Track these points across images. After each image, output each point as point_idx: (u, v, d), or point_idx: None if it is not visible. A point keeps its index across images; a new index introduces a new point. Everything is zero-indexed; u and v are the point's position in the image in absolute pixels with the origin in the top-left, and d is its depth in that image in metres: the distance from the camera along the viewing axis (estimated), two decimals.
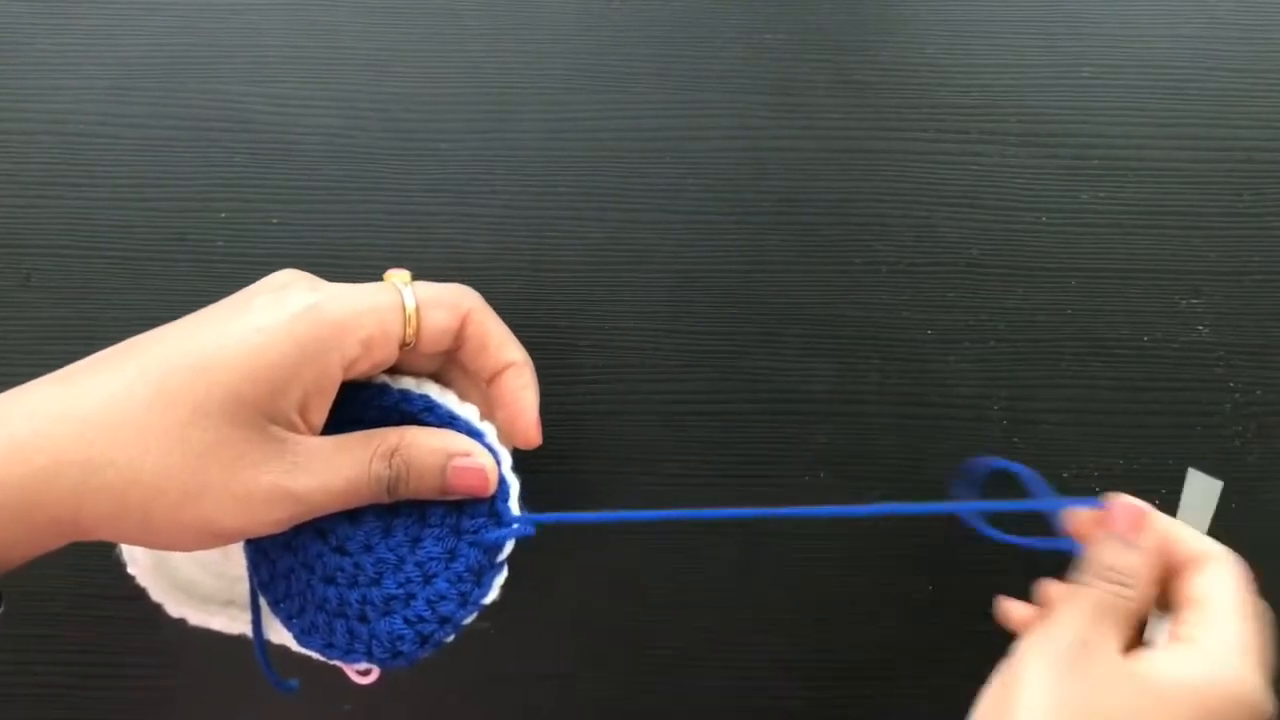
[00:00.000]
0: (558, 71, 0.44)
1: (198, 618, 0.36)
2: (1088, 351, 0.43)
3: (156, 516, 0.30)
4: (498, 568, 0.35)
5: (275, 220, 0.43)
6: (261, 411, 0.30)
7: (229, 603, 0.37)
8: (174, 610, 0.36)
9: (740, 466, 0.43)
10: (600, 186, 0.43)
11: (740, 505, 0.42)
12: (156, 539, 0.31)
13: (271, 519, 0.31)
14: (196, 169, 0.43)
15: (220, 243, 0.43)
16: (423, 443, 0.33)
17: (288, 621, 0.35)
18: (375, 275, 0.43)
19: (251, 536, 0.32)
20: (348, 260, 0.43)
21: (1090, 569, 0.33)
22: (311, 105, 0.44)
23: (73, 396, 0.29)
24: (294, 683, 0.36)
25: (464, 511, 0.34)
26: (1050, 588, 0.35)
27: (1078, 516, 0.35)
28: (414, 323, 0.33)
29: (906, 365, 0.43)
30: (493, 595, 0.35)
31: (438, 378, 0.36)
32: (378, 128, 0.44)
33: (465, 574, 0.34)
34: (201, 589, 0.36)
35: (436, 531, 0.34)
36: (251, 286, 0.33)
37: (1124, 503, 0.34)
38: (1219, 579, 0.32)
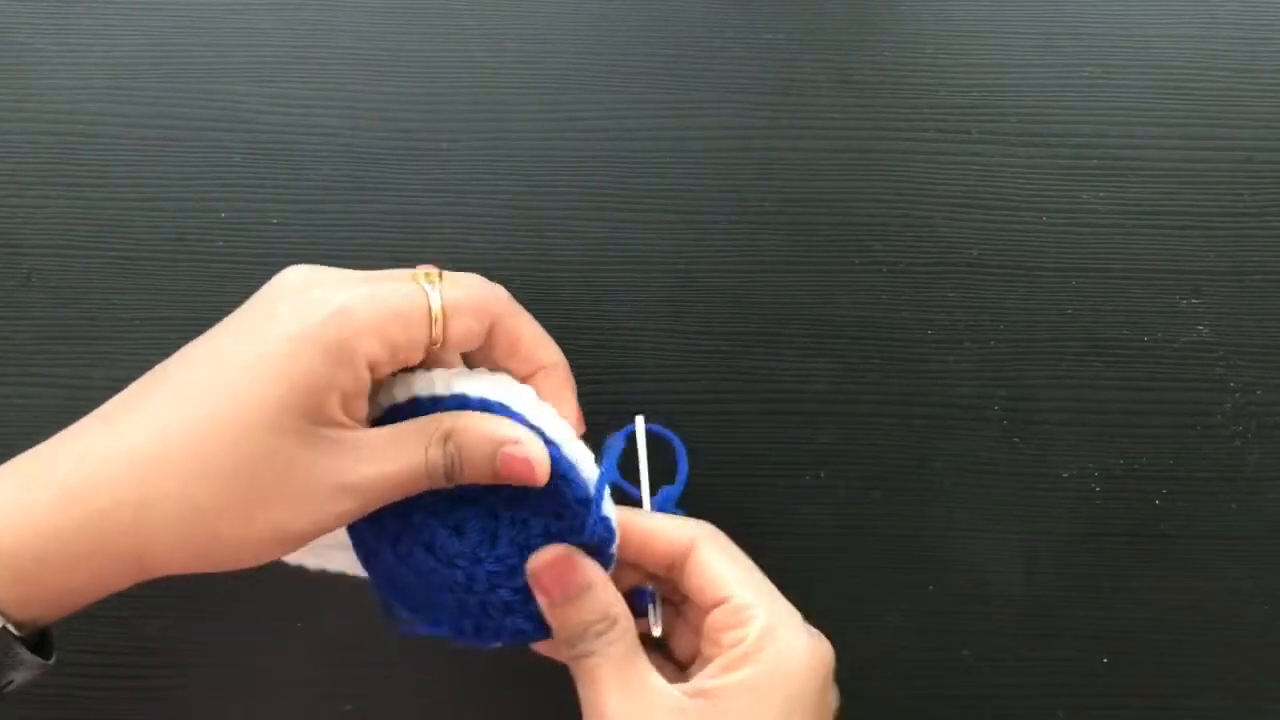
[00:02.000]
0: (558, 71, 0.44)
1: (315, 561, 0.36)
2: (1088, 351, 0.43)
3: (223, 536, 0.30)
4: (611, 562, 0.34)
5: (275, 220, 0.43)
6: (305, 417, 0.30)
7: (345, 544, 0.36)
8: (292, 559, 0.35)
9: (740, 466, 0.43)
10: (600, 186, 0.43)
11: (740, 504, 0.43)
12: (227, 561, 0.31)
13: (336, 513, 0.31)
14: (196, 169, 0.43)
15: (220, 243, 0.43)
16: (474, 428, 0.32)
17: (412, 613, 0.35)
18: None
19: (322, 533, 0.32)
20: (348, 260, 0.42)
21: (572, 641, 0.33)
22: (311, 105, 0.44)
23: (119, 435, 0.30)
24: (416, 627, 0.36)
25: (565, 512, 0.34)
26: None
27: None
28: (439, 324, 0.33)
29: (906, 365, 0.43)
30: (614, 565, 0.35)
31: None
32: (378, 128, 0.44)
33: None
34: None
35: (541, 542, 0.34)
36: (269, 290, 0.32)
37: (544, 565, 0.33)
38: (700, 570, 0.33)
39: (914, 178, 0.43)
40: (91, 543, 0.29)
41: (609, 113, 0.44)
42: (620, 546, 0.34)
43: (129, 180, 0.43)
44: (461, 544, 0.34)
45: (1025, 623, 0.43)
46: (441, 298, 0.33)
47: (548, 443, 0.33)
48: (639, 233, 0.43)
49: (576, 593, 0.32)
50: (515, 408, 0.34)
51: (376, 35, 0.44)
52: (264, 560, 0.31)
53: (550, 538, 0.34)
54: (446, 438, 0.32)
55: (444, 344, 0.33)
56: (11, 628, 0.29)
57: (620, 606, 0.33)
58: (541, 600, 0.33)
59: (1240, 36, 0.44)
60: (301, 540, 0.31)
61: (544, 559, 0.33)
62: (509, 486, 0.33)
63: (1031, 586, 0.43)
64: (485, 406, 0.34)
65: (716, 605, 0.33)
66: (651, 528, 0.34)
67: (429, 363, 0.34)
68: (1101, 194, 0.43)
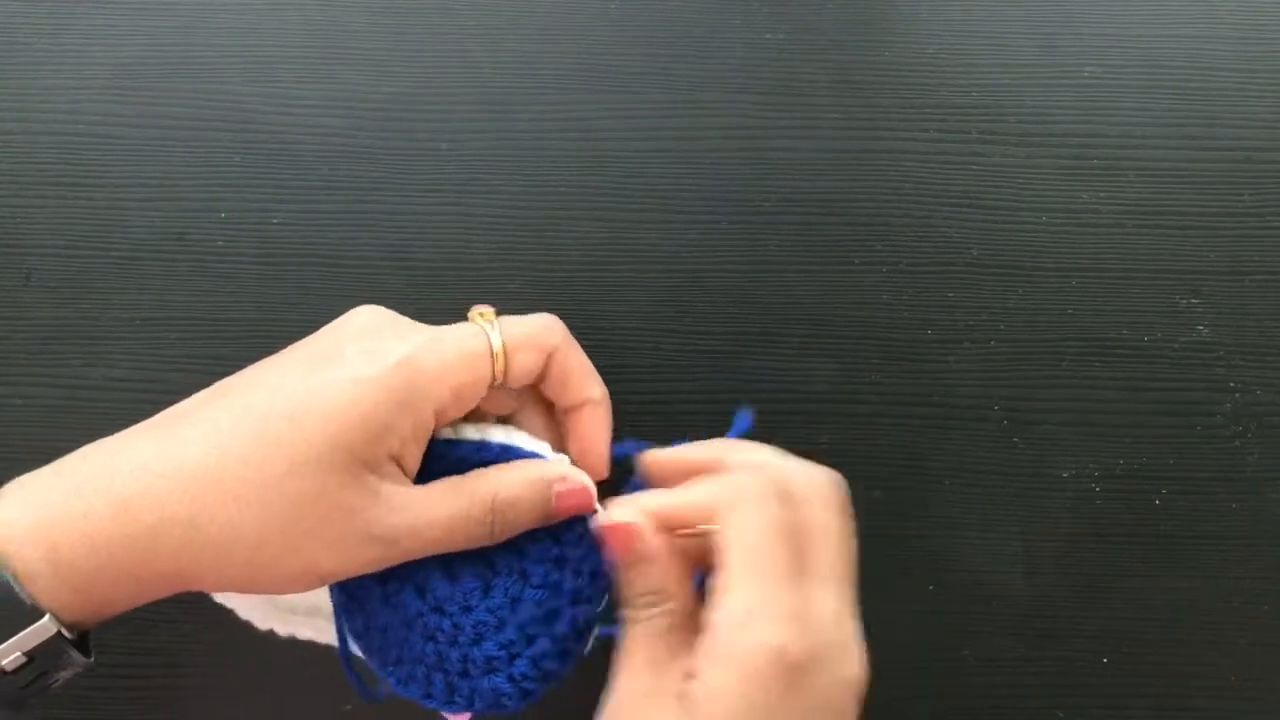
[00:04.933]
0: (557, 71, 0.44)
1: (285, 628, 0.36)
2: (1088, 351, 0.43)
3: (261, 567, 0.30)
4: (596, 621, 0.34)
5: (275, 220, 0.43)
6: (357, 460, 0.30)
7: (314, 610, 0.36)
8: (262, 623, 0.36)
9: None
10: (600, 186, 0.43)
11: None
12: (261, 586, 0.31)
13: (364, 560, 0.31)
14: (196, 169, 0.43)
15: (220, 243, 0.43)
16: (519, 478, 0.33)
17: (384, 670, 0.34)
18: (375, 275, 0.43)
19: (347, 576, 0.32)
20: (348, 260, 0.43)
21: (625, 601, 0.32)
22: (311, 105, 0.44)
23: (174, 451, 0.30)
24: (382, 690, 0.35)
25: (566, 569, 0.34)
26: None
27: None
28: (501, 363, 0.33)
29: (906, 365, 0.43)
30: (590, 646, 0.34)
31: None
32: (377, 128, 0.44)
33: (569, 633, 0.33)
34: (286, 599, 0.36)
35: (538, 595, 0.33)
36: (336, 328, 0.33)
37: (612, 526, 0.32)
38: (725, 550, 0.31)
39: (914, 178, 0.43)
40: (140, 557, 0.29)
41: (609, 113, 0.44)
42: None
43: (129, 180, 0.43)
44: (453, 589, 0.33)
45: (1025, 623, 0.43)
46: (501, 335, 0.34)
47: None
48: (639, 233, 0.43)
49: (633, 559, 0.32)
50: (538, 452, 0.34)
51: (376, 35, 0.44)
52: (295, 591, 0.32)
53: (549, 589, 0.33)
54: (493, 495, 0.32)
55: (506, 380, 0.34)
56: (65, 631, 0.30)
57: (675, 588, 0.32)
58: (607, 556, 0.33)
59: (1240, 36, 0.44)
60: (332, 579, 0.32)
61: (614, 519, 0.32)
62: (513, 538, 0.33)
63: (1031, 586, 0.43)
64: (508, 452, 0.34)
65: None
66: (675, 502, 0.33)
67: (472, 414, 0.35)
68: (1101, 194, 0.43)
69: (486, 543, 0.33)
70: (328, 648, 0.36)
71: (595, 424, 0.36)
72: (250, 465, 0.30)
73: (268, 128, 0.43)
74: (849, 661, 0.31)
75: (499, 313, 0.35)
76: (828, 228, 0.43)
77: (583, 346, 0.43)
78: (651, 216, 0.43)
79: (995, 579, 0.43)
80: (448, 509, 0.32)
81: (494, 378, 0.33)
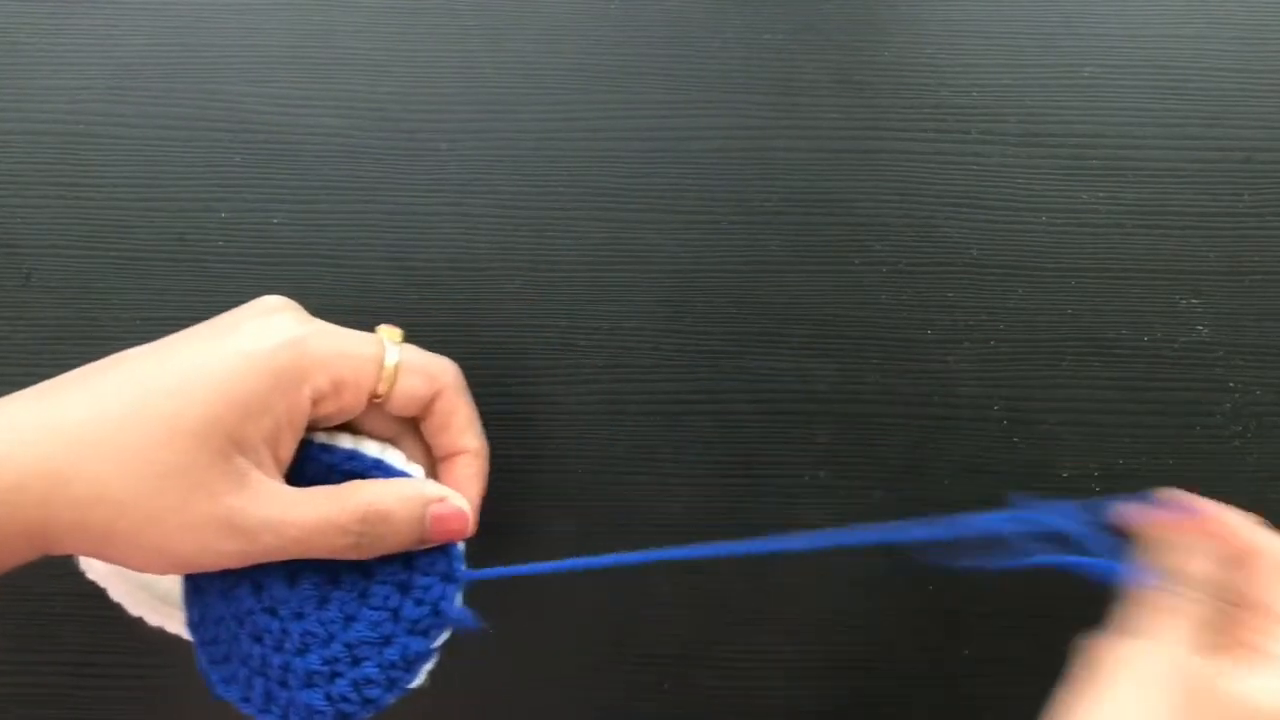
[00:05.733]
0: (557, 71, 0.44)
1: (156, 618, 0.35)
2: (1088, 351, 0.43)
3: (117, 535, 0.30)
4: (430, 655, 0.33)
5: (275, 220, 0.43)
6: (231, 438, 0.30)
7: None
8: (133, 609, 0.35)
9: (740, 466, 0.43)
10: (600, 186, 0.43)
11: (740, 504, 0.43)
12: (116, 556, 0.31)
13: (222, 551, 0.30)
14: (196, 169, 0.43)
15: (220, 243, 0.43)
16: (395, 493, 0.32)
17: (210, 666, 0.34)
18: (375, 275, 0.43)
19: (205, 568, 0.31)
20: (348, 260, 0.43)
21: (1177, 580, 0.32)
22: (311, 105, 0.44)
23: (50, 410, 0.30)
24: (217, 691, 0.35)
25: (409, 596, 0.33)
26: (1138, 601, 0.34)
27: (1148, 517, 0.34)
28: (389, 380, 0.33)
29: (906, 365, 0.43)
30: (421, 680, 0.33)
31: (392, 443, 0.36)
32: (377, 128, 0.44)
33: (398, 662, 0.32)
34: (160, 586, 0.35)
35: (374, 616, 0.32)
36: (242, 308, 0.33)
37: (1203, 506, 0.33)
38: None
39: (914, 178, 0.43)
40: (3, 511, 0.29)
41: (609, 113, 0.44)
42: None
43: (129, 180, 0.43)
44: (290, 594, 0.32)
45: (1025, 623, 0.43)
46: (399, 356, 0.33)
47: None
48: (639, 233, 0.43)
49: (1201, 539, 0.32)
50: (406, 470, 0.34)
51: (376, 35, 0.44)
52: (151, 571, 0.31)
53: (388, 612, 0.32)
54: (367, 505, 0.31)
55: (387, 401, 0.34)
56: None
57: (1212, 586, 0.32)
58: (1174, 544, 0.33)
59: (1240, 36, 0.44)
60: (187, 566, 0.31)
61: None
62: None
63: (1031, 586, 0.43)
64: (379, 467, 0.33)
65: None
66: (1228, 526, 0.34)
67: (350, 428, 0.35)
68: (1101, 194, 0.43)
69: (351, 556, 0.32)
70: None
71: (468, 476, 0.35)
72: (124, 430, 0.29)
73: (268, 128, 0.43)
74: None
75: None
76: (828, 228, 0.43)
77: (583, 346, 0.43)
78: (651, 216, 0.43)
79: (995, 579, 0.43)
80: (315, 511, 0.31)
81: (376, 389, 0.33)
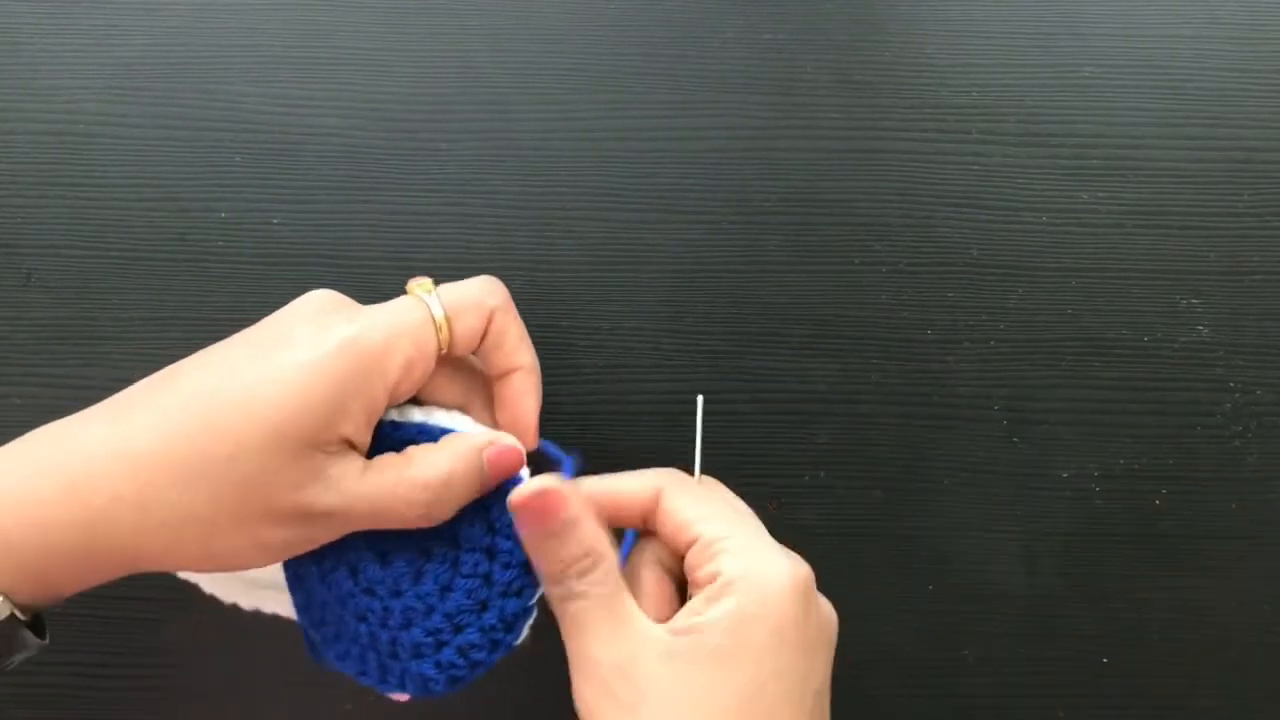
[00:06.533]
0: (557, 71, 0.44)
1: (249, 601, 0.36)
2: (1088, 351, 0.43)
3: (211, 547, 0.30)
4: (529, 613, 0.34)
5: (275, 220, 0.43)
6: (304, 442, 0.30)
7: (276, 585, 0.36)
8: (226, 597, 0.36)
9: (740, 466, 0.43)
10: (600, 186, 0.43)
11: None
12: (214, 564, 0.32)
13: (305, 536, 0.32)
14: (196, 169, 0.43)
15: (220, 243, 0.43)
16: (448, 454, 0.33)
17: (325, 645, 0.35)
18: (375, 275, 0.43)
19: (296, 554, 0.32)
20: (348, 260, 0.43)
21: (556, 578, 0.32)
22: (311, 105, 0.44)
23: (124, 435, 0.30)
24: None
25: (496, 561, 0.34)
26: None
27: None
28: (445, 330, 0.33)
29: (906, 365, 0.43)
30: (524, 637, 0.34)
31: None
32: (377, 128, 0.44)
33: (497, 625, 0.33)
34: (250, 573, 0.36)
35: (468, 585, 0.33)
36: (287, 313, 0.33)
37: (527, 498, 0.31)
38: (668, 516, 0.33)
39: (914, 178, 0.43)
40: (91, 539, 0.30)
41: (609, 113, 0.44)
42: (596, 509, 0.33)
43: (129, 180, 0.43)
44: (384, 573, 0.33)
45: (1025, 623, 0.43)
46: (441, 303, 0.34)
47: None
48: (639, 233, 0.43)
49: (560, 528, 0.31)
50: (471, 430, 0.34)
51: (376, 35, 0.44)
52: (247, 567, 0.32)
53: (480, 579, 0.33)
54: (424, 474, 0.32)
55: (451, 347, 0.34)
56: (18, 614, 0.30)
57: (605, 545, 0.32)
58: (523, 534, 0.32)
59: (1240, 36, 0.44)
60: (282, 553, 0.32)
61: (526, 492, 0.32)
62: (448, 525, 0.33)
63: (1031, 586, 0.43)
64: (445, 433, 0.34)
65: (689, 546, 0.32)
66: (615, 487, 0.34)
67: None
68: (1101, 194, 0.43)
69: (424, 524, 0.32)
70: None
71: (524, 391, 0.36)
72: (198, 448, 0.30)
73: (268, 128, 0.43)
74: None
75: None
76: (828, 228, 0.43)
77: (583, 346, 0.43)
78: (651, 216, 0.43)
79: (995, 579, 0.43)
80: (374, 486, 0.32)
81: (440, 346, 0.33)
